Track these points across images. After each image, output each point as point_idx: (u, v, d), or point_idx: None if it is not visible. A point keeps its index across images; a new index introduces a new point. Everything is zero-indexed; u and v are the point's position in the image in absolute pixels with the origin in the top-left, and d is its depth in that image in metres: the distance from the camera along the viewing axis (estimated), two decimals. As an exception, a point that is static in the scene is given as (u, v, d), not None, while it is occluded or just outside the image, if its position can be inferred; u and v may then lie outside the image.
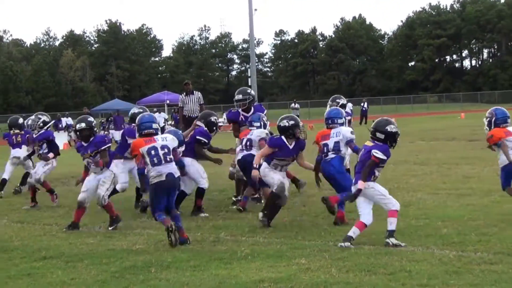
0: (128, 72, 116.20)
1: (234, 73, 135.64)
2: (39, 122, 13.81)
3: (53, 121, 13.10)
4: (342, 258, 7.82)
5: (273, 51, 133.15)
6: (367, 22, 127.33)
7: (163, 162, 9.32)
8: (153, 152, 9.38)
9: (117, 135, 40.99)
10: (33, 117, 14.22)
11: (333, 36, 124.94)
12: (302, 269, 7.42)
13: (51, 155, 13.51)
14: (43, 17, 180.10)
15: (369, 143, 8.73)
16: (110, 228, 10.48)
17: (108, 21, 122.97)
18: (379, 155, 8.48)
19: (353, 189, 8.65)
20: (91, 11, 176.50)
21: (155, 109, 40.44)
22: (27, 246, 9.36)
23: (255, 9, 49.85)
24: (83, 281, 7.30)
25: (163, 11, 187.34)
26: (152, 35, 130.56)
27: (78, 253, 8.74)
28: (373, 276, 7.03)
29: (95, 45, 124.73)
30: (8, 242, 9.73)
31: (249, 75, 52.40)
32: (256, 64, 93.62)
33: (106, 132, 40.88)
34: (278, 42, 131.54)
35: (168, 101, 48.64)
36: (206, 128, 12.03)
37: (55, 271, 7.79)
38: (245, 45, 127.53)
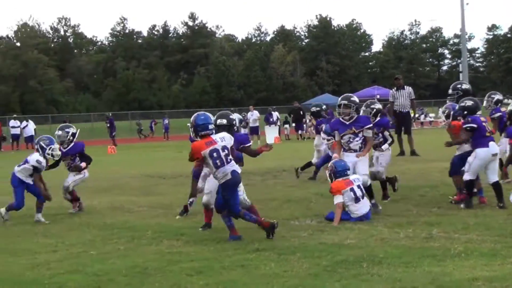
0: (338, 66, 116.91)
1: (445, 68, 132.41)
2: (68, 136, 13.21)
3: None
4: None
5: (485, 46, 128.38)
6: None
7: (225, 163, 9.32)
8: (215, 154, 9.32)
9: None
10: (60, 131, 13.33)
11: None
12: (518, 269, 7.09)
13: (83, 164, 13.20)
14: (255, 12, 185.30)
15: None
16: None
17: (318, 16, 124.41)
18: None
19: None
20: (302, 6, 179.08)
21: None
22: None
23: (467, 3, 48.37)
24: (295, 274, 7.37)
25: (373, 6, 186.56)
26: (362, 30, 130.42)
27: (290, 246, 8.84)
28: None
29: (306, 40, 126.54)
30: (222, 233, 10.05)
31: (460, 70, 51.04)
32: (468, 59, 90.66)
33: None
34: (491, 37, 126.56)
35: (378, 96, 48.33)
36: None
37: (268, 263, 7.91)
38: (456, 40, 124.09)
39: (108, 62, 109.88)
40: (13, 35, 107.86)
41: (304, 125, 42.53)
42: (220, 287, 7.02)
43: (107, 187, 17.40)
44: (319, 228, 10.05)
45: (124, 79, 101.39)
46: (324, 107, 18.04)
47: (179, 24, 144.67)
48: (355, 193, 10.58)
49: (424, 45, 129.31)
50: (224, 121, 10.24)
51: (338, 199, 10.59)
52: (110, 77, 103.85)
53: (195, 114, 9.92)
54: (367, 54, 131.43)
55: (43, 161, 12.16)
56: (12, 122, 44.53)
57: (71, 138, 13.23)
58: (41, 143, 12.33)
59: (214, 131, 9.73)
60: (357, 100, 11.45)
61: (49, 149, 12.24)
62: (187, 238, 9.13)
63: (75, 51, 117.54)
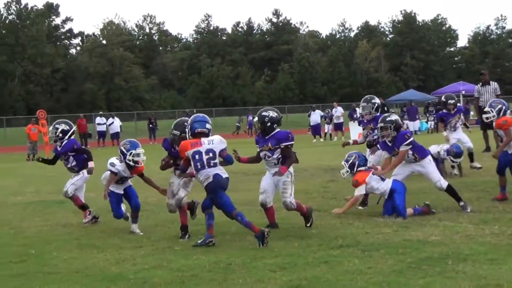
0: (422, 62, 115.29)
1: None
2: (57, 133, 11.92)
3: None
4: None
5: None
6: None
7: (206, 167, 9.20)
8: (197, 156, 9.22)
9: (411, 125, 40.95)
10: (50, 127, 12.21)
11: None
12: None
13: (91, 164, 11.87)
14: (339, 8, 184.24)
15: None
16: (307, 225, 10.30)
17: (403, 12, 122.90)
18: None
19: None
20: (386, 2, 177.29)
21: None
22: (324, 234, 9.58)
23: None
24: (379, 270, 7.32)
25: (458, 1, 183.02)
26: (447, 25, 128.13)
27: (374, 242, 8.79)
28: None
29: (390, 36, 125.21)
30: (306, 229, 10.05)
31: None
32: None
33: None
34: None
35: (463, 92, 47.45)
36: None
37: (352, 260, 7.88)
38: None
39: (192, 59, 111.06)
40: (99, 33, 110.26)
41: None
42: (303, 283, 7.01)
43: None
44: (404, 225, 9.95)
45: (208, 76, 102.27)
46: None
47: (263, 20, 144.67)
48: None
49: (510, 40, 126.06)
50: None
51: (361, 190, 11.01)
52: (195, 74, 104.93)
53: (193, 115, 9.83)
54: (452, 49, 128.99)
55: (119, 165, 10.91)
56: (98, 119, 45.54)
57: (61, 135, 11.87)
58: (122, 147, 11.10)
59: (209, 132, 9.65)
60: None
61: (130, 155, 10.94)
62: (270, 234, 9.14)
63: (160, 48, 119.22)
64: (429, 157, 11.22)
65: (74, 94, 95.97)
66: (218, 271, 7.77)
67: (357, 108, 42.88)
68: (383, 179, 11.02)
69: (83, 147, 13.03)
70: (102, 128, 44.69)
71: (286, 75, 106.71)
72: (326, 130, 42.94)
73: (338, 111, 40.29)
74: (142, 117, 65.94)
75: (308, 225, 10.27)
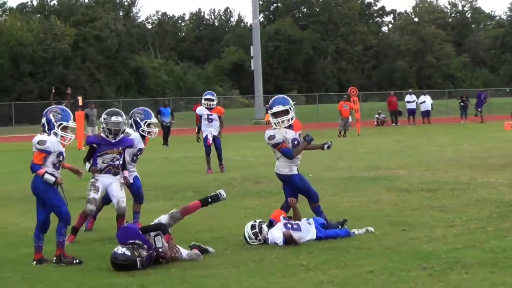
0: None
1: None
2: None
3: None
4: None
5: None
6: None
7: None
8: None
9: None
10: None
11: None
12: None
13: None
14: None
15: None
16: None
17: None
18: None
19: None
20: None
21: None
22: None
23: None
24: None
25: None
26: None
27: None
28: None
29: None
30: None
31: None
32: None
33: None
34: None
35: None
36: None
37: None
38: None
39: (505, 37, 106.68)
40: (411, 11, 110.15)
41: None
42: None
43: (504, 163, 17.10)
44: None
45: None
46: None
47: None
48: None
49: None
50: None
51: None
52: (507, 52, 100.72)
53: None
54: None
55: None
56: (408, 97, 45.61)
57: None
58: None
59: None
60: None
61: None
62: None
63: (473, 26, 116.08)
64: None
65: (385, 71, 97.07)
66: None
67: None
68: None
69: None
70: (412, 106, 44.71)
71: None
72: None
73: None
74: (453, 95, 64.78)
75: None
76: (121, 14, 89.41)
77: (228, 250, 8.52)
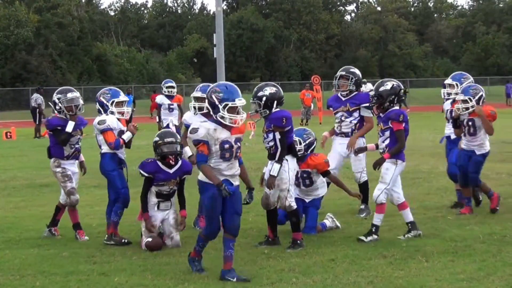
0: None
1: None
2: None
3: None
4: None
5: None
6: None
7: None
8: None
9: None
10: None
11: None
12: None
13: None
14: None
15: None
16: None
17: None
18: None
19: None
20: None
21: None
22: None
23: None
24: None
25: None
26: None
27: None
28: None
29: None
30: None
31: None
32: None
33: None
34: None
35: None
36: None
37: None
38: None
39: (467, 27, 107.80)
40: (374, 0, 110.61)
41: None
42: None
43: None
44: None
45: (483, 44, 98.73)
46: None
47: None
48: None
49: None
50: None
51: None
52: (469, 42, 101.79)
53: None
54: None
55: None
56: (363, 87, 45.90)
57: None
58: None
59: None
60: (357, 72, 9.89)
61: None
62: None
63: (435, 15, 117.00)
64: None
65: (347, 60, 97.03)
66: (492, 243, 7.67)
67: None
68: None
69: None
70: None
71: None
72: None
73: None
74: (415, 84, 65.33)
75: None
76: (83, 0, 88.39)
77: (190, 239, 8.51)
